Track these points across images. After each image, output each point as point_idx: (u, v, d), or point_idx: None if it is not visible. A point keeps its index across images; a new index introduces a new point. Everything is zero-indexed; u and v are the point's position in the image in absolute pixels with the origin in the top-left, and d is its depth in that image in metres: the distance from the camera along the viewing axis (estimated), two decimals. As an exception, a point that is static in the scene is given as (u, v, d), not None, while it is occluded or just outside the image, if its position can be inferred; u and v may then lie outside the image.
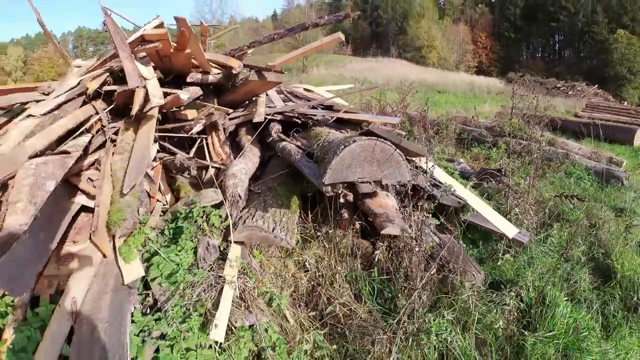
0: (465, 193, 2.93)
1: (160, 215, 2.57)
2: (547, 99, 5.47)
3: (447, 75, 26.32)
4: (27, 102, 3.23)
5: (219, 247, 1.98)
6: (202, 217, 2.04)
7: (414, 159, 2.85)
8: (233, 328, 1.74)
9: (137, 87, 2.82)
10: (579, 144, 7.61)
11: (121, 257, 1.84)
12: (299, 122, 3.14)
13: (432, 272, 2.24)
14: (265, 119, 3.05)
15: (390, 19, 54.42)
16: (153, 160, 3.26)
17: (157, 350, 1.66)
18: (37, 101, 3.21)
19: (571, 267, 3.25)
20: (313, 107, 3.42)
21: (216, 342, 1.65)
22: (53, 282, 2.06)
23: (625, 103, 18.93)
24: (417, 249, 2.19)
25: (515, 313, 2.45)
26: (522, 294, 2.76)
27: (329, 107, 3.49)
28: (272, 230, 1.99)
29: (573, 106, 15.36)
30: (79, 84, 3.29)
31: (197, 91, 3.18)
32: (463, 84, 21.92)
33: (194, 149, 3.40)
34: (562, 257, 3.39)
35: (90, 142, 2.92)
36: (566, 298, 2.80)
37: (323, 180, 1.85)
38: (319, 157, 2.16)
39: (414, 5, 55.15)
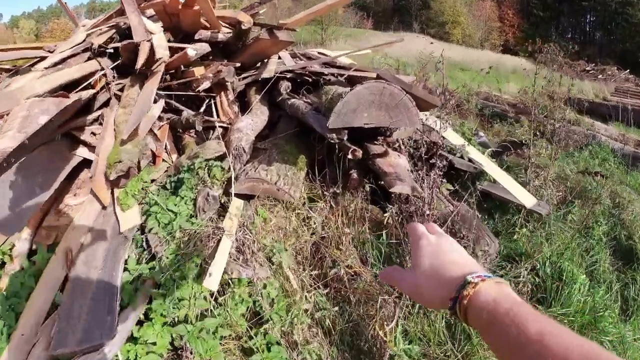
0: (482, 159, 2.76)
1: (165, 172, 2.52)
2: (573, 81, 5.20)
3: (472, 53, 25.27)
4: (33, 61, 3.18)
5: (220, 198, 1.91)
6: (204, 169, 1.96)
7: (426, 114, 2.67)
8: (230, 281, 1.68)
9: (143, 40, 2.72)
10: (606, 126, 7.22)
11: (119, 205, 1.79)
12: (310, 80, 2.99)
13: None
14: (275, 76, 2.91)
15: (414, -9, 52.07)
16: (159, 119, 3.20)
17: (150, 300, 1.62)
18: (42, 58, 3.16)
19: (591, 246, 3.08)
20: (325, 65, 3.25)
21: (210, 293, 1.60)
22: (52, 233, 2.03)
23: (660, 91, 17.55)
24: (428, 212, 2.06)
25: (529, 285, 2.31)
26: (538, 268, 2.63)
27: (341, 67, 3.32)
28: (275, 183, 1.89)
29: (602, 90, 14.44)
30: (84, 40, 3.21)
31: (205, 48, 3.06)
32: (488, 62, 21.07)
33: (202, 109, 3.32)
34: (582, 235, 3.22)
35: (95, 98, 2.87)
36: (584, 275, 2.66)
37: (327, 124, 1.72)
38: (326, 108, 2.02)
39: (440, -22, 52.47)
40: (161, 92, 3.13)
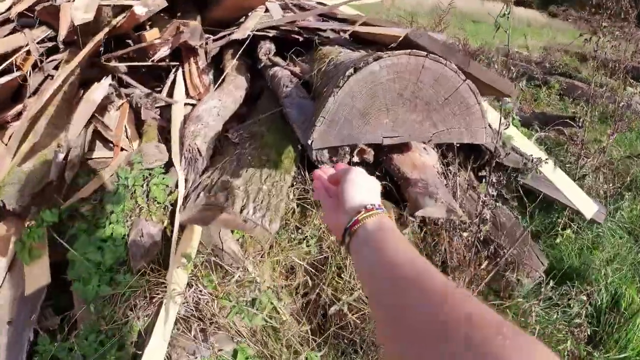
0: (532, 150, 2.09)
1: (111, 175, 1.91)
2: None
3: (483, 4, 23.42)
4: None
5: (167, 229, 1.32)
6: (142, 185, 1.35)
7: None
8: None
9: (64, 1, 2.01)
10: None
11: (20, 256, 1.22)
12: (301, 39, 2.27)
13: (482, 266, 1.52)
14: (250, 35, 2.19)
15: None
16: (119, 97, 2.56)
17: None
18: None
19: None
20: (323, 19, 2.50)
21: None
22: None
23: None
24: (465, 234, 1.45)
25: (588, 331, 1.74)
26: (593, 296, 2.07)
27: (343, 21, 2.56)
28: (242, 210, 1.26)
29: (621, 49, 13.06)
30: (10, 7, 2.50)
31: (159, 3, 2.31)
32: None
33: (168, 82, 2.65)
34: (633, 237, 2.68)
35: (26, 82, 2.22)
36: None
37: (309, 141, 1.04)
38: (317, 90, 1.35)
39: None
40: (119, 65, 2.47)
